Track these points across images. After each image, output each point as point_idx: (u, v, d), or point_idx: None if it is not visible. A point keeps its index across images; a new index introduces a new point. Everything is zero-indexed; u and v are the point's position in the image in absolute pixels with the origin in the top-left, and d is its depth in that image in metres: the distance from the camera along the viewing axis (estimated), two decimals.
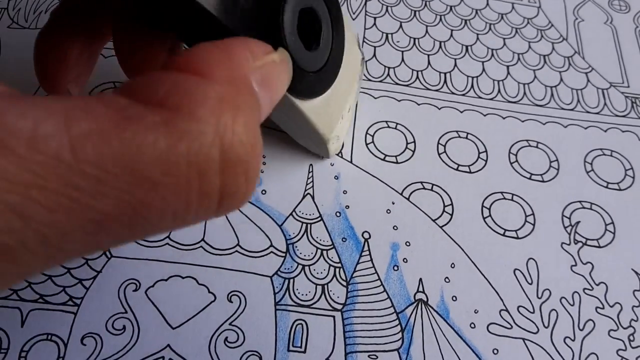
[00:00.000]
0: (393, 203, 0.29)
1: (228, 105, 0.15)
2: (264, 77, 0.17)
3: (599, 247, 0.29)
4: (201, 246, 0.27)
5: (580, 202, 0.31)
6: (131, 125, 0.13)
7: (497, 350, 0.26)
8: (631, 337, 0.27)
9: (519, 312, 0.27)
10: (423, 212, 0.29)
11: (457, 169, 0.31)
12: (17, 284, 0.25)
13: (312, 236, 0.27)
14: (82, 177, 0.13)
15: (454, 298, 0.27)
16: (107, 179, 0.13)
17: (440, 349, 0.26)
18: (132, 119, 0.14)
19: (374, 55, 0.34)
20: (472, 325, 0.26)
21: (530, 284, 0.28)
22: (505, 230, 0.29)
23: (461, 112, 0.33)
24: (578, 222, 0.30)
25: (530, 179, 0.31)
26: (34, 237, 0.13)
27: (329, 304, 0.26)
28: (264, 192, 0.28)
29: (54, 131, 0.12)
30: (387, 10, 0.37)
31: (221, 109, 0.15)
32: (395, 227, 0.28)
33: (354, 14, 0.36)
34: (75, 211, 0.13)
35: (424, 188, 0.30)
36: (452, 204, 0.29)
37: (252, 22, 0.20)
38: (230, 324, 0.25)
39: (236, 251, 0.27)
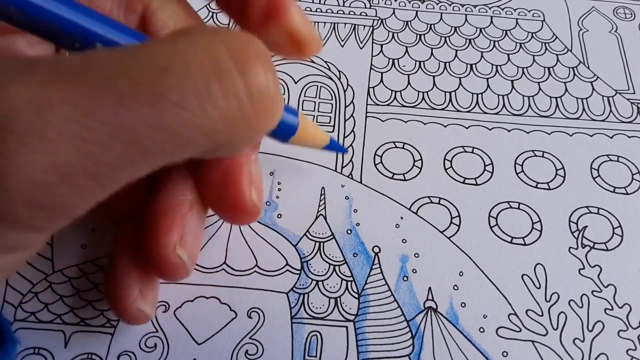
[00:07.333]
0: (402, 218, 0.31)
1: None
2: None
3: (607, 250, 0.30)
4: (223, 269, 0.29)
5: (587, 207, 0.32)
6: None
7: (507, 352, 0.27)
8: None
9: (527, 315, 0.28)
10: (431, 224, 0.31)
11: (463, 182, 0.32)
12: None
13: (324, 253, 0.29)
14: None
15: (463, 304, 0.28)
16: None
17: (450, 353, 0.27)
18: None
19: (381, 80, 0.36)
20: (481, 330, 0.28)
21: (539, 288, 0.29)
22: (513, 237, 0.30)
23: (466, 128, 0.34)
24: (585, 227, 0.31)
25: (536, 187, 0.32)
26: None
27: (341, 315, 0.28)
28: (279, 216, 0.31)
29: None
30: (393, 36, 0.39)
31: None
32: (404, 241, 0.30)
33: (361, 42, 0.38)
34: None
35: (431, 202, 0.31)
36: (459, 216, 0.31)
37: None
38: (250, 338, 0.27)
39: (255, 271, 0.29)
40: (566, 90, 0.36)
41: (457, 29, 0.39)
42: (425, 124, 0.34)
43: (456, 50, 0.38)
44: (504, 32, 0.39)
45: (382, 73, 0.37)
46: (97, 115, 0.16)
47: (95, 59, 0.16)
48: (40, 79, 0.16)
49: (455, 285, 0.29)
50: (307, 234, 0.30)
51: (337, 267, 0.29)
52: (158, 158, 0.18)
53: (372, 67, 0.37)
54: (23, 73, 0.16)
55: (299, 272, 0.29)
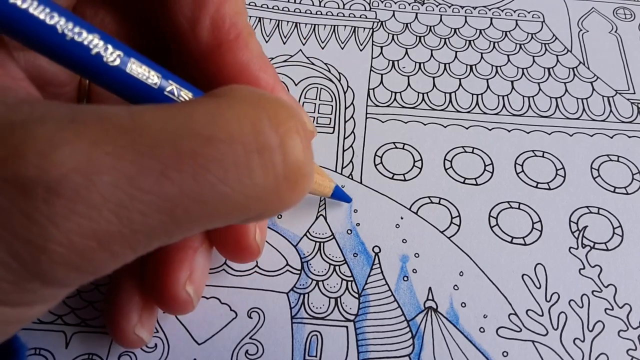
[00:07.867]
0: (402, 218, 0.31)
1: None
2: None
3: (607, 250, 0.30)
4: (223, 269, 0.29)
5: (587, 207, 0.32)
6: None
7: (507, 352, 0.27)
8: None
9: (527, 315, 0.28)
10: (431, 224, 0.31)
11: (463, 182, 0.32)
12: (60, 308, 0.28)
13: (325, 253, 0.29)
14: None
15: (463, 304, 0.28)
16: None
17: (450, 353, 0.27)
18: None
19: (381, 82, 0.36)
20: (482, 330, 0.28)
21: (539, 288, 0.29)
22: (513, 237, 0.30)
23: (467, 128, 0.34)
24: (585, 227, 0.31)
25: (536, 187, 0.32)
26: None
27: (342, 315, 0.28)
28: (279, 216, 0.31)
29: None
30: (393, 38, 0.39)
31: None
32: (404, 240, 0.30)
33: (361, 44, 0.38)
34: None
35: (431, 202, 0.31)
36: (459, 216, 0.31)
37: None
38: (250, 338, 0.27)
39: (255, 271, 0.29)
40: (566, 90, 0.36)
41: (457, 30, 0.39)
42: (425, 124, 0.35)
43: (456, 52, 0.38)
44: (504, 33, 0.39)
45: (382, 75, 0.37)
46: (141, 185, 0.16)
47: (141, 117, 0.16)
48: (88, 141, 0.15)
49: (456, 285, 0.29)
50: (307, 234, 0.30)
51: (337, 267, 0.29)
52: (191, 228, 0.18)
53: (372, 68, 0.37)
54: (70, 131, 0.15)
55: (299, 272, 0.29)
